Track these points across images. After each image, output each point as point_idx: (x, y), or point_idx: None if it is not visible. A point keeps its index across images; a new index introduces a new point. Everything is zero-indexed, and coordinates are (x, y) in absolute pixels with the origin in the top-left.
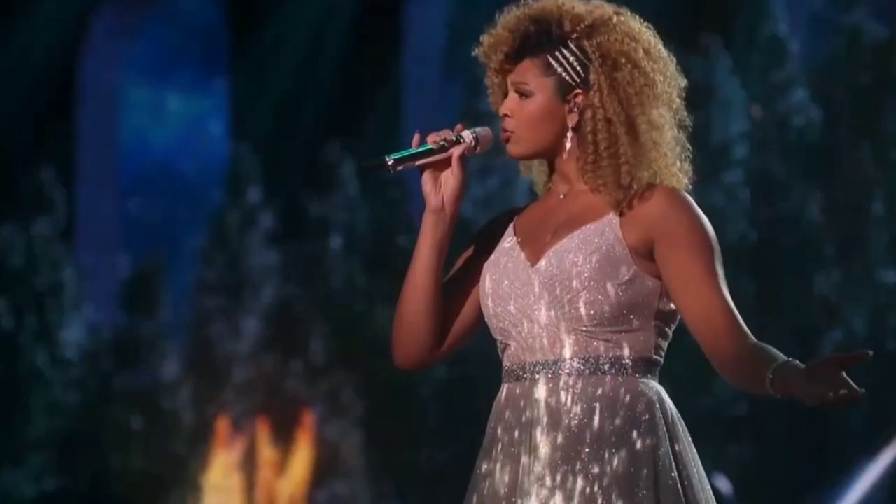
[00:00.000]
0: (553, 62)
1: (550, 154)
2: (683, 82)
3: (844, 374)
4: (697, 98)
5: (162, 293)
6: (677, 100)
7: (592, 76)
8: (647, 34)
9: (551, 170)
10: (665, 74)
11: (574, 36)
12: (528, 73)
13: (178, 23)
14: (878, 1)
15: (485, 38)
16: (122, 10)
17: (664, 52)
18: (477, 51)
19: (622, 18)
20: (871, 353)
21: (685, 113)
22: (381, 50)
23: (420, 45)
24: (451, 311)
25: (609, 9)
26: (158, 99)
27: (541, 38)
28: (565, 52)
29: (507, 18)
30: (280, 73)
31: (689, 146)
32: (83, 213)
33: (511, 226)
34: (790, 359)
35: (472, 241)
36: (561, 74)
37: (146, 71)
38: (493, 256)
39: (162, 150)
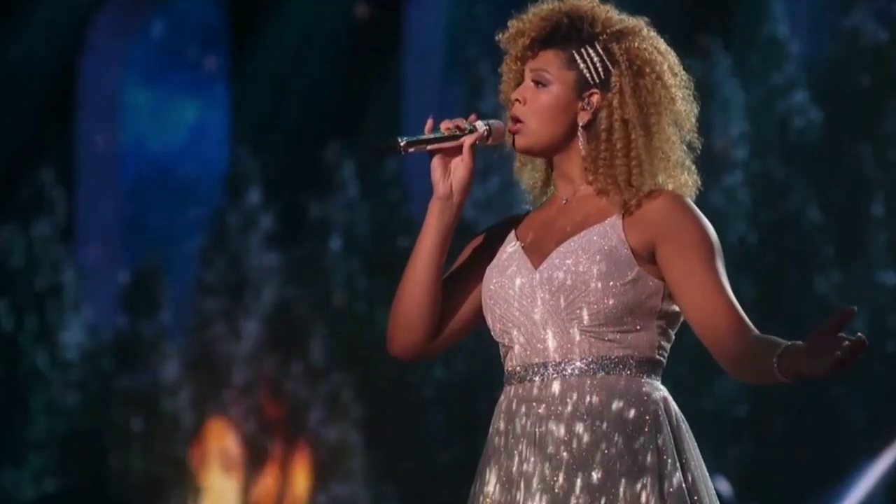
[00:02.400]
0: (578, 57)
1: (555, 150)
2: (697, 109)
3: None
4: (696, 99)
5: (162, 294)
6: (692, 120)
7: (614, 79)
8: (672, 54)
9: (552, 170)
10: (684, 95)
11: (603, 37)
12: (551, 63)
13: (178, 24)
14: (878, 2)
15: (512, 24)
16: (122, 11)
17: (685, 75)
18: (500, 36)
19: (652, 33)
20: (855, 308)
21: (696, 137)
22: (381, 51)
23: (420, 46)
24: (449, 308)
25: (640, 21)
26: (158, 100)
27: (571, 32)
28: (591, 50)
29: (540, 8)
30: (280, 74)
31: (695, 169)
32: (83, 214)
33: (513, 232)
34: (792, 342)
35: (471, 242)
36: (582, 71)
37: (146, 72)
38: (495, 261)
39: (162, 151)
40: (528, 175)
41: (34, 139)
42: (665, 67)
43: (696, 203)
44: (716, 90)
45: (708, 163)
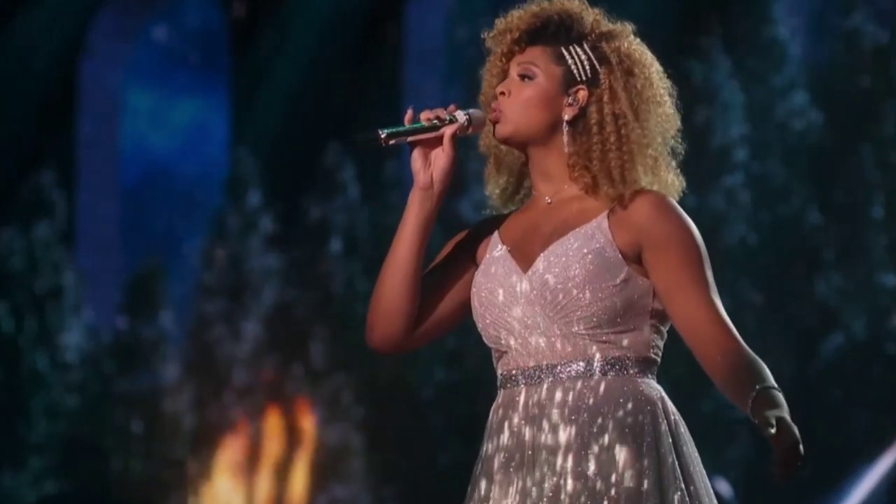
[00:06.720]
0: (566, 53)
1: (536, 144)
2: (679, 120)
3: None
4: (697, 101)
5: (162, 296)
6: (677, 126)
7: (603, 76)
8: (657, 63)
9: (527, 171)
10: (671, 100)
11: (591, 37)
12: (539, 57)
13: (178, 26)
14: (878, 4)
15: (499, 22)
16: (122, 14)
17: (669, 85)
18: (487, 34)
19: (639, 40)
20: (803, 455)
21: (679, 143)
22: (381, 54)
23: (420, 49)
24: (430, 302)
25: (628, 27)
26: (159, 102)
27: (560, 29)
28: (579, 49)
29: (529, 6)
30: (280, 76)
31: (678, 172)
32: (83, 217)
33: (497, 234)
34: (774, 389)
35: (454, 239)
36: (570, 67)
37: (147, 74)
38: (483, 266)
39: (162, 153)
40: (494, 182)
41: (34, 141)
42: (654, 70)
43: (697, 204)
44: (716, 92)
45: (708, 164)
